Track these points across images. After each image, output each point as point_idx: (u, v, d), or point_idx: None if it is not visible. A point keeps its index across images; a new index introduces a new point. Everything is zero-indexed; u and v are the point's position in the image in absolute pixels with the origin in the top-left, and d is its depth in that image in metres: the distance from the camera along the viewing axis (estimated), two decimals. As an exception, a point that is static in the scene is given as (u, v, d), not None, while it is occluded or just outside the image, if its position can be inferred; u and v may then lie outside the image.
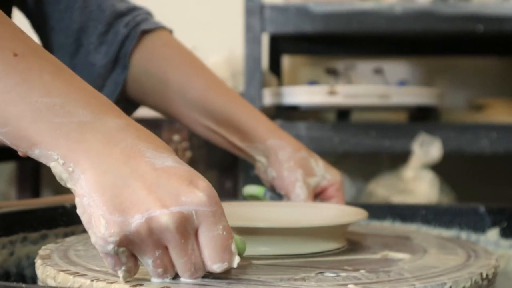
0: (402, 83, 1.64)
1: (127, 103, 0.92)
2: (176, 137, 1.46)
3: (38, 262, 0.61)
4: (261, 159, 0.88)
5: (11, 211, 0.80)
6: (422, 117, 1.56)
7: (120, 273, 0.52)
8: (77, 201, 0.51)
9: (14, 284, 0.51)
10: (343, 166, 1.82)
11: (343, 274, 0.57)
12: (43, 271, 0.58)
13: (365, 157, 1.87)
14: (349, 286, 0.53)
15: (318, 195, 0.86)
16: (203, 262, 0.53)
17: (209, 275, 0.55)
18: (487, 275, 0.59)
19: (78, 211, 0.52)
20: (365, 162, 1.86)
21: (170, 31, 0.93)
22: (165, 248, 0.52)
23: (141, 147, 0.53)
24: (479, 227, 0.89)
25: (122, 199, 0.50)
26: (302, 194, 0.83)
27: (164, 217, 0.50)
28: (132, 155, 0.52)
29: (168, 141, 1.47)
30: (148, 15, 0.92)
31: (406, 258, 0.65)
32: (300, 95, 1.51)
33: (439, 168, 1.49)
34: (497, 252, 0.87)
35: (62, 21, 0.87)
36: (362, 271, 0.58)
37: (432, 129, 1.45)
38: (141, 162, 0.52)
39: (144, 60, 0.89)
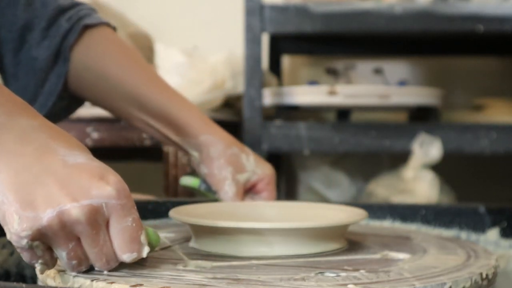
0: (402, 83, 1.64)
1: (71, 99, 0.92)
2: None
3: (38, 262, 0.61)
4: (194, 153, 0.90)
5: (11, 211, 0.79)
6: (422, 117, 1.56)
7: (37, 266, 0.55)
8: None
9: (14, 284, 0.51)
10: (343, 166, 1.82)
11: (343, 274, 0.57)
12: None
13: (365, 157, 1.87)
14: (349, 286, 0.53)
15: (250, 190, 0.89)
16: (115, 253, 0.56)
17: (209, 274, 0.55)
18: (487, 275, 0.59)
19: None
20: (365, 162, 1.86)
21: (114, 28, 0.94)
22: (78, 240, 0.54)
23: (53, 146, 0.55)
24: (479, 227, 0.89)
25: (35, 195, 0.52)
26: (230, 192, 0.86)
27: (74, 210, 0.52)
28: (45, 154, 0.54)
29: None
30: (91, 10, 0.92)
31: (406, 258, 0.65)
32: (300, 95, 1.51)
33: (439, 168, 1.49)
34: (497, 252, 0.87)
35: (5, 17, 0.87)
36: (362, 271, 0.58)
37: (432, 129, 1.45)
38: (53, 159, 0.54)
39: (83, 54, 0.89)
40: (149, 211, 0.90)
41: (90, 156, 0.57)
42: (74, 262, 0.55)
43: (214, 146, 0.88)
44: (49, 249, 0.55)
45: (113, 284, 0.53)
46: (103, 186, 0.54)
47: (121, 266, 0.58)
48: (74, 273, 0.56)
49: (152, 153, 1.62)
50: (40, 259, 0.54)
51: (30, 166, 0.53)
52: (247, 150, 0.90)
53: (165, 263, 0.60)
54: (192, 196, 1.50)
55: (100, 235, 0.54)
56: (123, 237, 0.55)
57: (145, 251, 0.57)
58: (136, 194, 1.12)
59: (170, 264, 0.60)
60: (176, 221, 0.69)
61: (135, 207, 0.56)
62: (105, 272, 0.56)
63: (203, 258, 0.63)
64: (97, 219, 0.54)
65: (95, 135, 1.52)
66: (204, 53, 1.68)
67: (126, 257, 0.56)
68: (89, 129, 1.52)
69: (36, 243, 0.53)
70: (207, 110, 1.55)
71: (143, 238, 0.56)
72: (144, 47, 1.74)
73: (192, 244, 0.69)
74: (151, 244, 0.58)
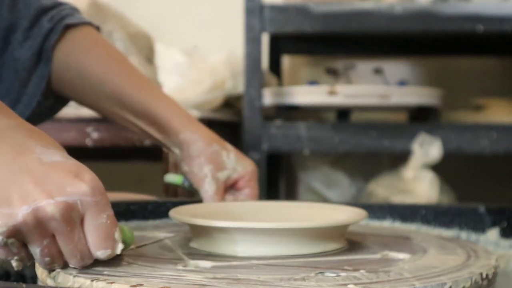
0: (402, 83, 1.64)
1: (56, 98, 0.92)
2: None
3: (38, 262, 0.61)
4: (176, 151, 0.90)
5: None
6: (422, 117, 1.56)
7: (13, 263, 0.55)
8: None
9: (14, 284, 0.51)
10: (343, 166, 1.82)
11: (343, 274, 0.57)
12: (43, 271, 0.58)
13: (365, 157, 1.87)
14: (349, 286, 0.53)
15: (231, 187, 0.89)
16: (89, 250, 0.56)
17: (209, 274, 0.55)
18: (487, 275, 0.59)
19: None
20: (365, 162, 1.86)
21: (97, 28, 0.93)
22: (53, 238, 0.55)
23: (30, 144, 0.56)
24: (479, 227, 0.89)
25: (10, 192, 0.53)
26: (210, 190, 0.86)
27: (49, 206, 0.53)
28: (21, 152, 0.55)
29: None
30: (73, 10, 0.92)
31: (406, 258, 0.65)
32: (300, 95, 1.51)
33: (439, 168, 1.49)
34: (497, 252, 0.87)
35: None
36: (362, 271, 0.58)
37: (432, 129, 1.45)
38: (29, 157, 0.55)
39: (65, 53, 0.89)
40: (149, 211, 0.90)
41: (66, 154, 0.57)
42: (47, 259, 0.55)
43: (195, 144, 0.88)
44: (25, 246, 0.55)
45: (113, 284, 0.53)
46: (78, 183, 0.54)
47: (121, 266, 0.58)
48: (74, 273, 0.56)
49: (152, 153, 1.62)
50: (15, 256, 0.55)
51: (6, 163, 0.54)
52: (229, 147, 0.89)
53: (165, 263, 0.60)
54: (192, 196, 1.50)
55: (75, 232, 0.55)
56: (98, 234, 0.56)
57: (119, 248, 0.57)
58: (136, 194, 1.12)
59: (170, 264, 0.60)
60: (176, 221, 0.69)
61: (110, 205, 0.57)
62: (105, 272, 0.56)
63: (203, 258, 0.63)
64: (72, 216, 0.54)
65: (95, 135, 1.52)
66: (204, 53, 1.68)
67: (100, 253, 0.56)
68: (89, 129, 1.52)
69: (11, 240, 0.53)
70: (207, 110, 1.55)
71: (117, 235, 0.57)
72: (144, 47, 1.74)
73: (192, 244, 0.69)
74: (125, 242, 0.59)
